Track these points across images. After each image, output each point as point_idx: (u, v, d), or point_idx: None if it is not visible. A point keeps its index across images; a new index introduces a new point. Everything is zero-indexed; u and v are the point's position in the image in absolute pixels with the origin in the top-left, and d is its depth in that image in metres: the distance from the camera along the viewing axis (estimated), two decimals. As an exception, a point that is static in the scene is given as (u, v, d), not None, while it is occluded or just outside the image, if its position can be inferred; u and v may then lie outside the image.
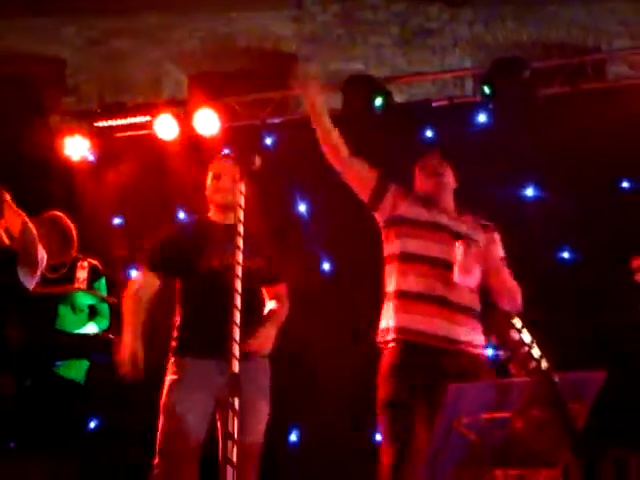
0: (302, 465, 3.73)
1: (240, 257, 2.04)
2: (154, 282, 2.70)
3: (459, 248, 2.52)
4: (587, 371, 1.73)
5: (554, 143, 3.78)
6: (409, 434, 2.41)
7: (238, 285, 2.02)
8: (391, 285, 2.67)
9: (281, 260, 2.86)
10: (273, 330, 2.62)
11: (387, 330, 2.60)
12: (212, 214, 2.82)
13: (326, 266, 4.14)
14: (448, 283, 2.55)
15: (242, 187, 2.20)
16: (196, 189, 2.92)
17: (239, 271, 2.03)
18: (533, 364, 1.55)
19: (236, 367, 1.96)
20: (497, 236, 2.80)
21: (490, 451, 1.72)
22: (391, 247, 2.73)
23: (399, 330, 2.55)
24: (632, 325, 2.98)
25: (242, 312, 1.99)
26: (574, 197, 3.66)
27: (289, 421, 3.84)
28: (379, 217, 2.80)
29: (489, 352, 2.68)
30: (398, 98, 4.70)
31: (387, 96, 4.28)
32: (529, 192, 3.92)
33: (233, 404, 1.95)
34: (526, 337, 1.58)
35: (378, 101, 4.23)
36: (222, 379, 2.03)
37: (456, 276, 2.51)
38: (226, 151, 3.63)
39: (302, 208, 4.24)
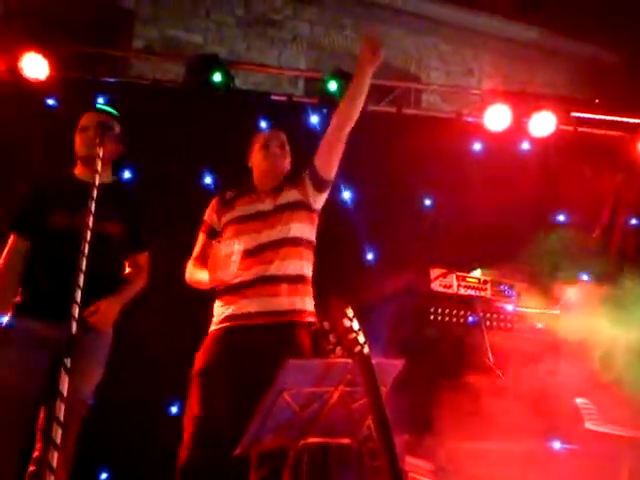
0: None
1: (91, 219, 2.05)
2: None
3: None
4: (390, 358, 2.07)
5: (372, 154, 4.22)
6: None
7: (85, 248, 2.03)
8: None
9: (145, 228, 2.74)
10: (117, 305, 2.51)
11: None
12: (77, 169, 2.68)
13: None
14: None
15: (100, 152, 2.20)
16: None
17: (88, 234, 2.04)
18: (358, 348, 1.83)
19: (74, 328, 1.99)
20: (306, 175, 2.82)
21: (306, 420, 1.98)
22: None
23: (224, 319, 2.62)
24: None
25: (94, 277, 2.00)
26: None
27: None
28: None
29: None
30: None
31: (229, 77, 4.33)
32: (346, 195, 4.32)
33: (66, 364, 1.98)
34: (355, 325, 1.85)
35: (217, 77, 4.25)
36: (60, 338, 2.03)
37: None
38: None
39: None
